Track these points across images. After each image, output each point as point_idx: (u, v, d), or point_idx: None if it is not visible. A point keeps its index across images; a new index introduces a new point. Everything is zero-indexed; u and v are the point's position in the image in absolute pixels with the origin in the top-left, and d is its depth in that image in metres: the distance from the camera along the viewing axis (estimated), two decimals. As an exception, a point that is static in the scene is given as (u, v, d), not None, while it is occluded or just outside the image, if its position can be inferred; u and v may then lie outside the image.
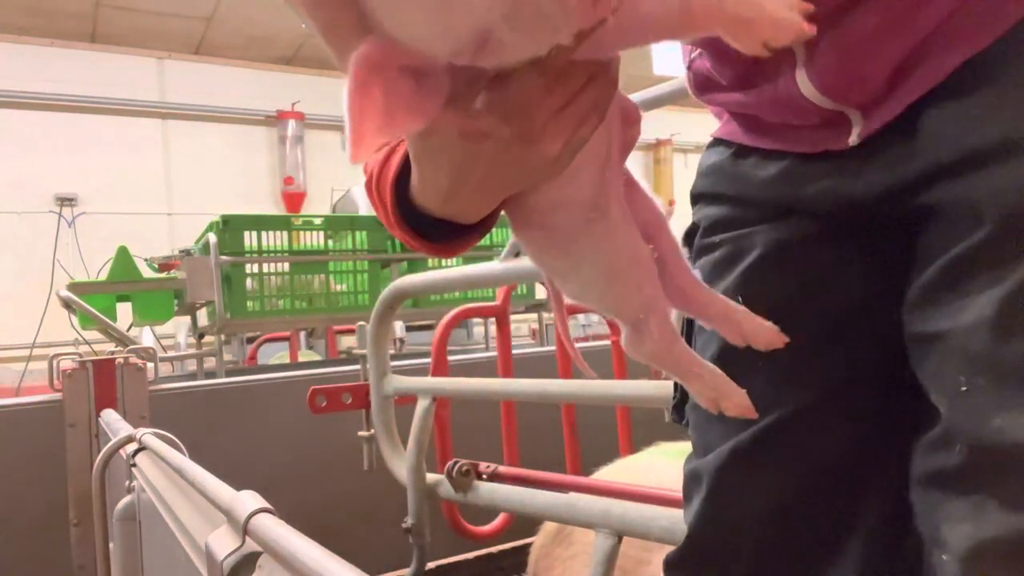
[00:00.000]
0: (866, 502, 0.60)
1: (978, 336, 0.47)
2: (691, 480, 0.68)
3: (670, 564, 0.70)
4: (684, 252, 0.55)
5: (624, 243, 0.50)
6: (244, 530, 0.46)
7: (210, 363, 3.84)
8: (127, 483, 1.01)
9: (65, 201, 6.58)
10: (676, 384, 0.73)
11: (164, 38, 6.76)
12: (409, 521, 1.69)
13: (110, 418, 1.57)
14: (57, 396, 1.97)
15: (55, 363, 2.28)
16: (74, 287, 3.16)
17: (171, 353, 4.49)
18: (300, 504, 2.02)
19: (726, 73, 0.63)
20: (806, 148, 0.60)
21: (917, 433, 0.54)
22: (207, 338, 4.01)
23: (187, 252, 3.64)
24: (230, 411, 2.16)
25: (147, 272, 3.62)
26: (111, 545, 1.09)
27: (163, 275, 3.61)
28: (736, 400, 0.53)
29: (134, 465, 0.97)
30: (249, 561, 0.46)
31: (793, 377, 0.60)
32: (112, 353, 2.16)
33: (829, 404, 0.60)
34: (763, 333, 0.54)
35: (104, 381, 1.96)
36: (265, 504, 0.48)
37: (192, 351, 4.28)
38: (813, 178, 0.60)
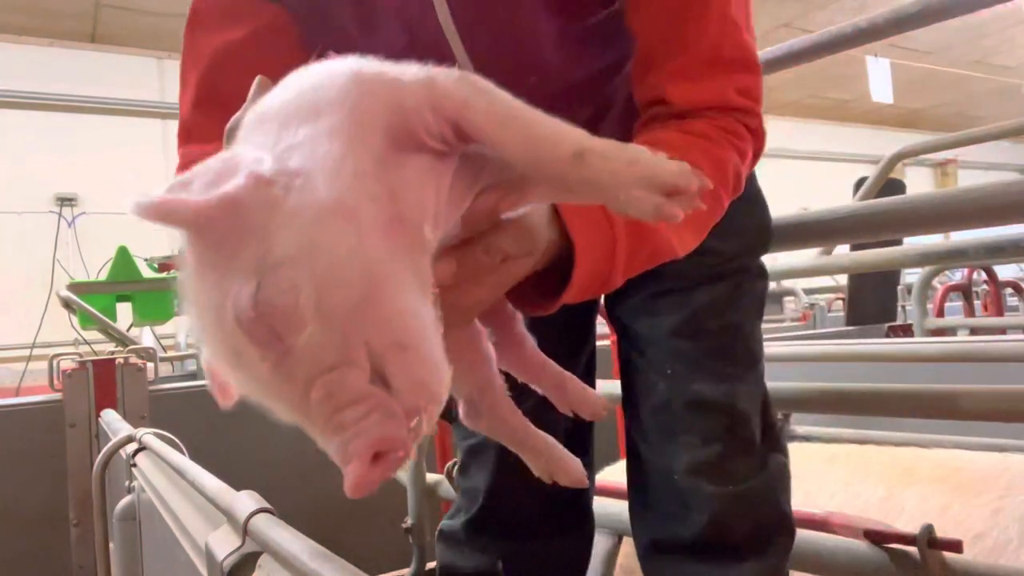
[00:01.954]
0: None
1: (672, 340, 0.78)
2: (472, 452, 0.90)
3: (459, 533, 0.92)
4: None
5: (461, 334, 0.50)
6: (244, 530, 0.46)
7: (210, 363, 3.84)
8: (127, 483, 1.01)
9: (65, 201, 6.58)
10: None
11: (164, 38, 6.75)
12: (409, 521, 1.69)
13: (110, 418, 1.57)
14: (57, 396, 1.97)
15: (55, 363, 2.28)
16: (74, 287, 3.16)
17: (171, 353, 4.48)
18: (300, 504, 2.02)
19: None
20: None
21: (643, 400, 0.81)
22: (207, 338, 3.99)
23: (187, 252, 3.64)
24: (230, 411, 2.15)
25: (147, 272, 3.62)
26: (111, 545, 1.09)
27: (163, 275, 3.61)
28: (569, 471, 0.54)
29: (134, 465, 0.97)
30: (249, 561, 0.46)
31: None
32: (112, 353, 2.16)
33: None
34: (587, 403, 0.55)
35: (104, 381, 1.96)
36: (265, 504, 0.48)
37: (192, 351, 4.28)
38: None
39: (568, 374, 0.56)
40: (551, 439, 0.54)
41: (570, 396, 0.55)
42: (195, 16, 0.72)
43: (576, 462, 0.55)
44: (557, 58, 0.69)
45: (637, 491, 0.84)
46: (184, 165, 0.70)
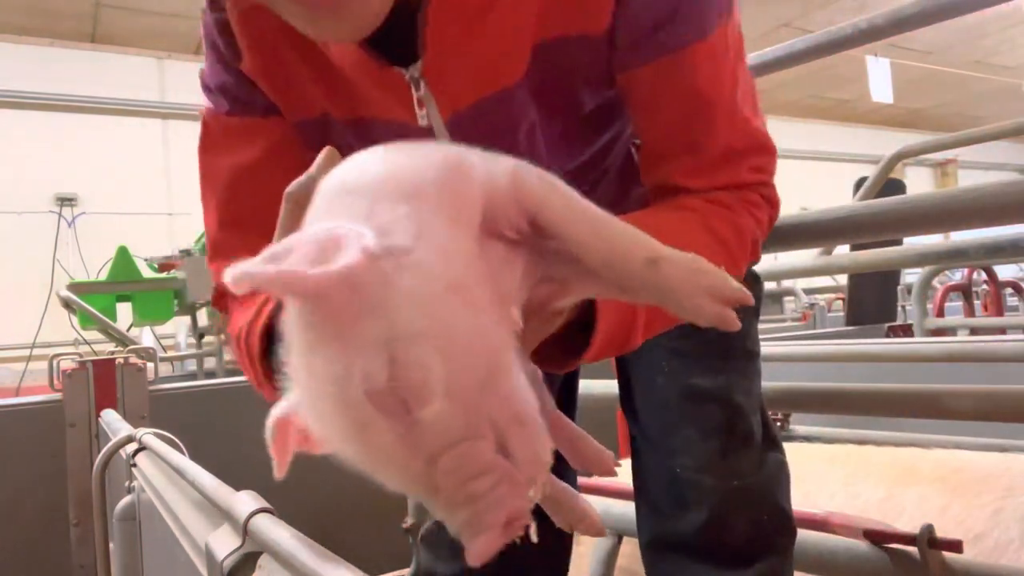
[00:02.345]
0: None
1: (668, 339, 0.74)
2: None
3: (438, 537, 0.93)
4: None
5: None
6: (244, 530, 0.46)
7: (210, 363, 3.85)
8: (127, 483, 1.01)
9: (65, 201, 6.58)
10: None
11: (164, 38, 6.76)
12: (409, 521, 1.69)
13: (110, 418, 1.57)
14: (57, 396, 1.97)
15: (55, 363, 2.28)
16: (74, 287, 3.16)
17: (171, 353, 4.49)
18: (300, 504, 2.02)
19: None
20: None
21: (642, 398, 0.84)
22: (207, 338, 4.01)
23: (187, 252, 3.64)
24: (230, 411, 2.16)
25: (147, 272, 3.63)
26: (111, 545, 1.09)
27: (163, 275, 3.61)
28: (589, 522, 0.55)
29: (134, 465, 0.97)
30: (249, 561, 0.46)
31: None
32: (112, 353, 2.16)
33: None
34: (600, 462, 0.56)
35: (104, 381, 1.96)
36: (265, 504, 0.48)
37: (192, 351, 4.28)
38: None
39: (580, 431, 0.56)
40: (571, 490, 0.54)
41: (583, 453, 0.56)
42: (207, 138, 0.73)
43: (595, 513, 0.55)
44: (553, 151, 0.70)
45: (640, 490, 0.84)
46: (221, 284, 0.71)
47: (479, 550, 0.34)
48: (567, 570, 0.97)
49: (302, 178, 0.48)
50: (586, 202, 0.41)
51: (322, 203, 0.39)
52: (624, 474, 1.42)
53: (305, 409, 0.36)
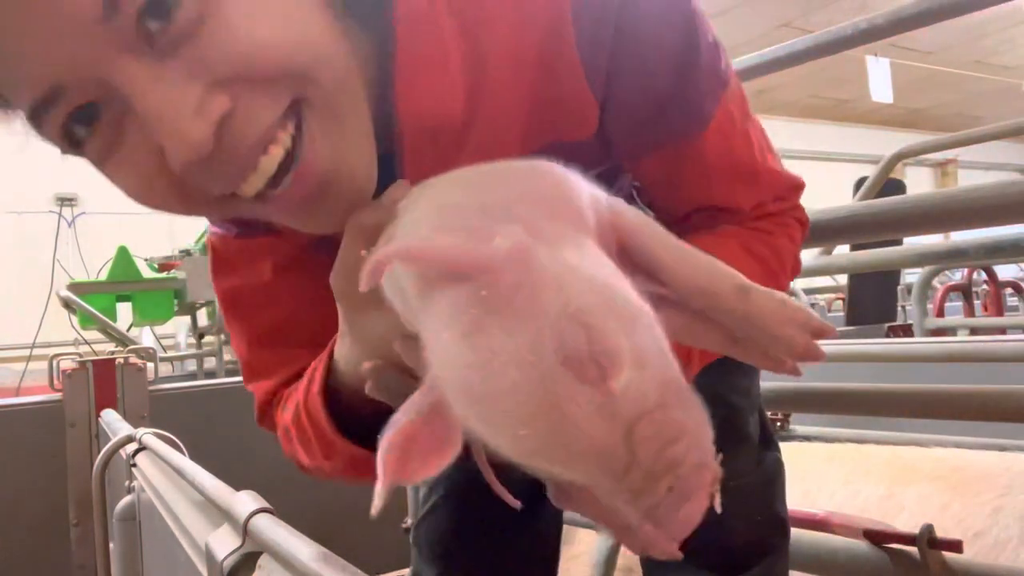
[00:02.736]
0: None
1: None
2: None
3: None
4: None
5: None
6: (244, 530, 0.46)
7: (210, 363, 3.85)
8: (127, 483, 1.01)
9: (65, 201, 6.58)
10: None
11: (164, 38, 6.76)
12: (409, 521, 1.69)
13: (110, 418, 1.57)
14: (57, 396, 1.97)
15: (55, 363, 2.28)
16: (74, 287, 3.16)
17: (171, 353, 4.49)
18: (300, 504, 2.02)
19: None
20: None
21: None
22: (207, 338, 4.01)
23: (187, 252, 3.64)
24: (230, 411, 2.16)
25: (147, 272, 3.63)
26: (111, 545, 1.09)
27: (163, 275, 3.61)
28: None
29: (134, 465, 0.97)
30: (249, 561, 0.46)
31: None
32: (112, 353, 2.16)
33: None
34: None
35: (104, 381, 1.96)
36: (265, 504, 0.48)
37: (192, 351, 4.28)
38: None
39: None
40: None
41: None
42: (218, 262, 0.73)
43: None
44: None
45: None
46: (262, 400, 0.72)
47: (689, 515, 0.34)
48: (556, 562, 0.97)
49: (369, 207, 0.48)
50: (675, 238, 0.42)
51: (425, 217, 0.40)
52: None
53: (467, 401, 0.34)
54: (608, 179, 0.70)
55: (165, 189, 0.51)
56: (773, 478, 0.81)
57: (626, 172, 0.72)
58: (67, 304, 2.91)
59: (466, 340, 0.33)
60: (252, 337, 0.73)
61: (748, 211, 0.64)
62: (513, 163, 0.42)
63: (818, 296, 5.26)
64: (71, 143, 0.50)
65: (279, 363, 0.71)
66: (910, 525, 0.95)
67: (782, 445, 0.86)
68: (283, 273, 0.69)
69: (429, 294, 0.35)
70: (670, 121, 0.60)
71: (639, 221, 0.41)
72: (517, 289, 0.32)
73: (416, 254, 0.32)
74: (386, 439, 0.36)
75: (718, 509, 0.35)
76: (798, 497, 1.21)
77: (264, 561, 0.45)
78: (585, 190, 0.40)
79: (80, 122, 0.48)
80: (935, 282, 3.70)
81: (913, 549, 0.93)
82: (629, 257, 0.41)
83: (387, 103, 0.55)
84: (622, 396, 0.32)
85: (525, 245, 0.33)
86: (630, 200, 0.77)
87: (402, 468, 0.36)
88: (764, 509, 0.79)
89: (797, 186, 0.68)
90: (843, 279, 4.83)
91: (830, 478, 1.25)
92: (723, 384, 0.77)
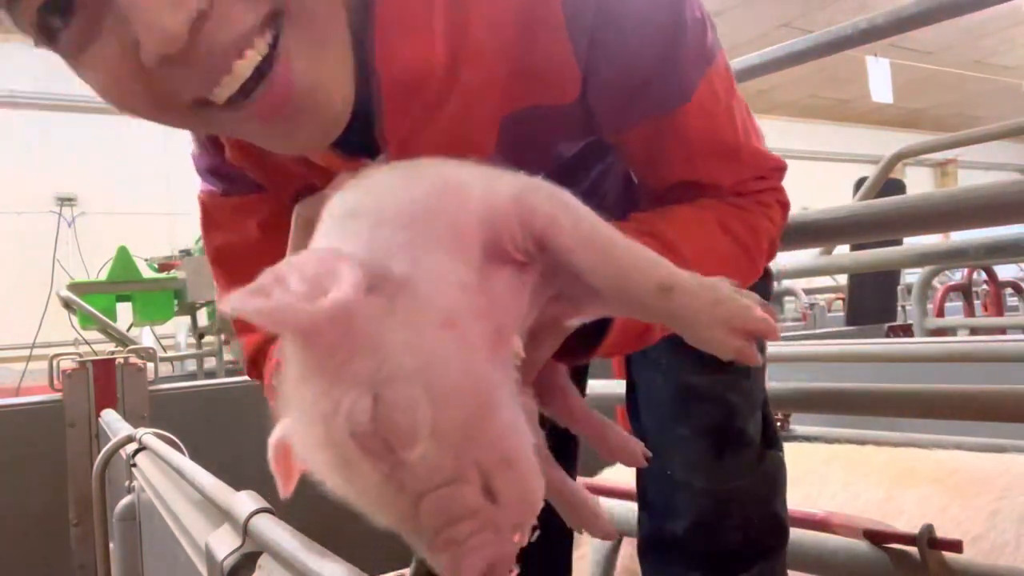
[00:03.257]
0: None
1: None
2: None
3: None
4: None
5: None
6: (244, 530, 0.46)
7: (210, 363, 3.85)
8: (127, 483, 1.01)
9: (65, 201, 6.58)
10: None
11: (164, 38, 6.75)
12: (409, 521, 1.69)
13: (110, 418, 1.57)
14: (57, 396, 1.97)
15: (55, 363, 2.28)
16: (74, 287, 3.16)
17: (171, 353, 4.48)
18: (300, 504, 2.01)
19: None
20: None
21: (643, 397, 0.82)
22: (207, 338, 4.00)
23: (187, 252, 3.64)
24: (230, 411, 2.16)
25: (147, 272, 3.62)
26: (111, 545, 1.09)
27: (163, 275, 3.61)
28: (599, 527, 0.54)
29: (134, 465, 0.97)
30: (249, 561, 0.46)
31: None
32: (112, 353, 2.16)
33: None
34: (627, 451, 0.55)
35: (104, 381, 1.96)
36: (265, 504, 0.48)
37: (192, 351, 4.28)
38: None
39: (608, 422, 0.56)
40: (585, 492, 0.54)
41: (611, 444, 0.55)
42: (207, 218, 0.75)
43: (605, 519, 0.54)
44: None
45: (640, 490, 0.84)
46: (250, 352, 0.74)
47: None
48: (570, 558, 0.96)
49: (313, 197, 0.48)
50: (600, 222, 0.40)
51: (326, 224, 0.39)
52: (625, 474, 1.43)
53: (295, 438, 0.36)
54: (600, 153, 0.70)
55: (136, 89, 0.51)
56: (772, 480, 0.81)
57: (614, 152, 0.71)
58: (67, 304, 2.91)
59: (291, 387, 0.35)
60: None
61: (728, 188, 0.64)
62: (420, 169, 0.41)
63: (818, 296, 5.26)
64: (45, 34, 0.50)
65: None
66: (909, 528, 0.95)
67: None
68: (269, 232, 0.70)
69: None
70: (653, 94, 0.59)
71: (551, 213, 0.39)
72: (332, 352, 0.32)
73: (248, 309, 0.31)
74: (271, 441, 0.40)
75: None
76: (798, 498, 1.21)
77: (264, 561, 0.45)
78: (479, 199, 0.39)
79: (55, 12, 0.48)
80: (935, 282, 3.69)
81: (913, 549, 0.93)
82: (547, 251, 0.39)
83: (366, 54, 0.55)
84: (411, 470, 0.33)
85: (349, 306, 0.32)
86: (627, 181, 0.76)
87: (286, 470, 0.41)
88: (761, 511, 0.79)
89: (779, 167, 0.67)
90: (843, 279, 4.83)
91: (829, 480, 1.25)
92: (721, 384, 0.77)
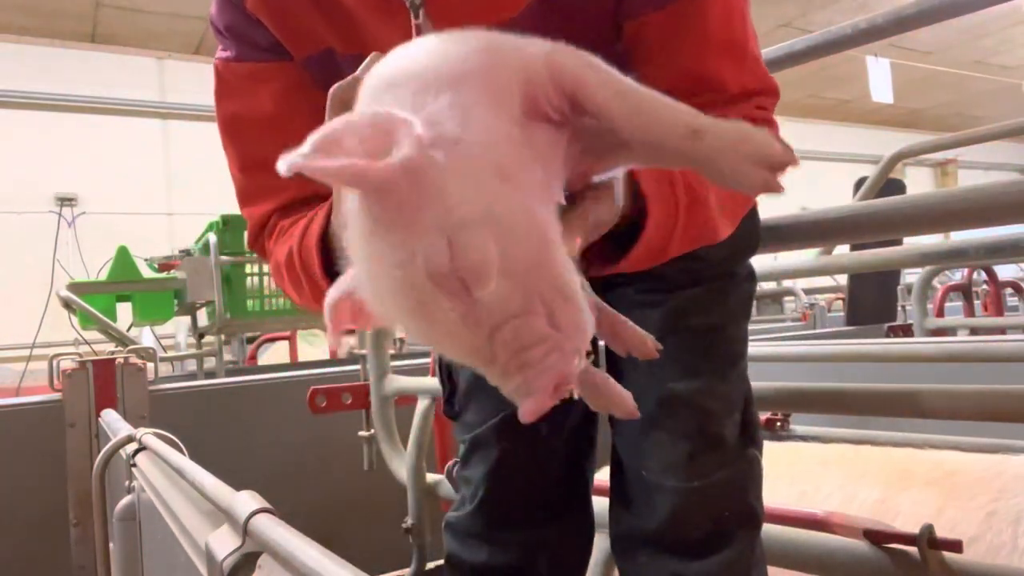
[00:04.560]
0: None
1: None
2: (474, 445, 0.90)
3: (463, 524, 0.92)
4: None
5: None
6: (244, 530, 0.46)
7: (210, 363, 3.84)
8: (127, 483, 1.01)
9: (65, 201, 6.58)
10: (443, 381, 0.97)
11: (164, 38, 6.75)
12: (409, 521, 1.69)
13: (110, 418, 1.57)
14: (57, 396, 1.97)
15: (55, 363, 2.28)
16: (74, 287, 3.16)
17: (171, 353, 4.48)
18: (300, 504, 2.02)
19: None
20: None
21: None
22: (207, 338, 4.00)
23: (187, 252, 3.64)
24: (230, 411, 2.16)
25: (147, 272, 3.62)
26: (111, 545, 1.09)
27: (163, 275, 3.60)
28: (623, 405, 0.56)
29: (134, 465, 0.97)
30: (249, 561, 0.46)
31: None
32: (112, 353, 2.16)
33: None
34: (639, 343, 0.58)
35: (104, 381, 1.96)
36: (265, 504, 0.48)
37: (192, 351, 4.28)
38: None
39: (621, 317, 0.58)
40: (605, 375, 0.55)
41: (623, 337, 0.58)
42: (221, 86, 0.75)
43: (629, 397, 0.56)
44: None
45: (614, 488, 0.86)
46: (253, 226, 0.76)
47: (531, 409, 0.38)
48: (587, 565, 0.97)
49: (347, 79, 0.48)
50: (625, 78, 0.42)
51: (367, 96, 0.41)
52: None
53: (367, 289, 0.39)
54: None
55: None
56: (747, 476, 0.81)
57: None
58: (67, 304, 2.91)
59: (362, 241, 0.37)
60: (246, 162, 0.75)
61: (732, 94, 0.65)
62: (450, 37, 0.43)
63: (818, 296, 5.26)
64: None
65: (270, 190, 0.74)
66: (906, 529, 0.95)
67: (780, 445, 0.86)
68: (282, 102, 0.71)
69: (347, 195, 0.38)
70: None
71: (580, 70, 0.41)
72: (401, 207, 0.35)
73: (316, 167, 0.33)
74: (328, 299, 0.42)
75: (575, 396, 0.42)
76: (795, 498, 1.21)
77: (264, 561, 0.45)
78: (515, 59, 0.41)
79: None
80: (935, 282, 3.69)
81: (913, 549, 0.93)
82: (579, 107, 0.41)
83: None
84: (486, 306, 0.36)
85: (416, 161, 0.34)
86: None
87: (339, 324, 0.43)
88: (734, 504, 0.79)
89: (774, 89, 0.68)
90: (843, 279, 4.83)
91: (826, 482, 1.25)
92: (700, 391, 0.78)
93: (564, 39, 0.65)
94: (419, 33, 0.64)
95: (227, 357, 3.64)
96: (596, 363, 0.93)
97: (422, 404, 1.67)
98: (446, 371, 0.98)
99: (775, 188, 0.41)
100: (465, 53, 0.40)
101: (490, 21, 0.62)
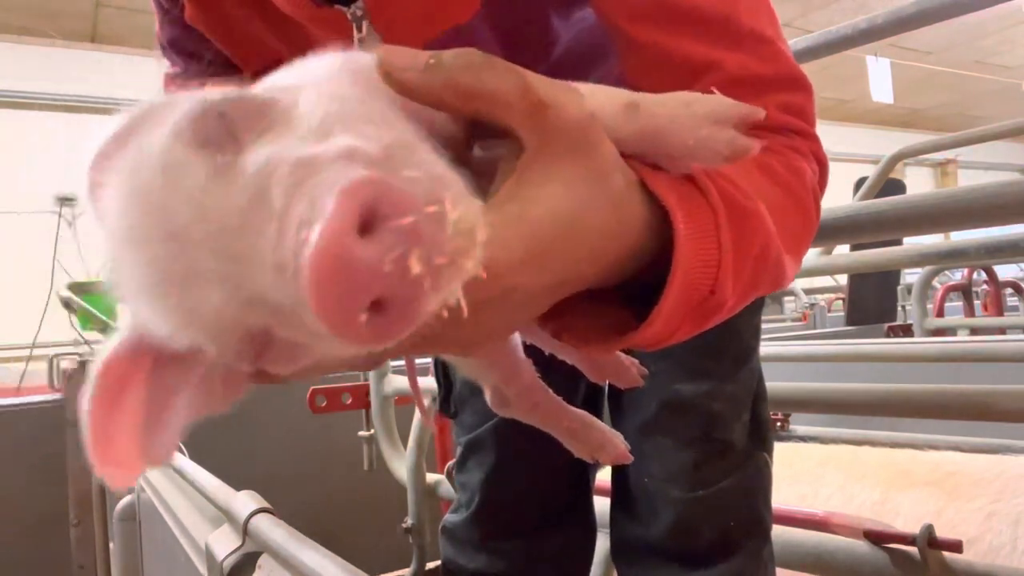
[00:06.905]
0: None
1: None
2: (471, 448, 0.89)
3: (460, 529, 0.90)
4: None
5: None
6: (244, 530, 0.46)
7: (210, 363, 3.83)
8: (127, 483, 1.01)
9: (65, 201, 6.57)
10: (439, 379, 0.95)
11: (164, 38, 6.75)
12: (409, 521, 1.69)
13: (110, 418, 1.56)
14: (57, 396, 1.97)
15: (55, 363, 2.28)
16: (74, 287, 3.16)
17: (171, 353, 4.47)
18: (300, 504, 2.01)
19: None
20: None
21: (627, 400, 0.80)
22: (207, 338, 4.00)
23: (187, 252, 3.63)
24: (230, 411, 2.15)
25: (147, 272, 3.62)
26: (111, 545, 1.09)
27: (163, 275, 3.60)
28: (611, 448, 0.53)
29: (134, 465, 0.97)
30: (249, 561, 0.46)
31: None
32: (112, 353, 2.15)
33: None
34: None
35: (104, 381, 1.96)
36: (265, 504, 0.48)
37: (192, 351, 4.26)
38: None
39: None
40: (588, 416, 0.52)
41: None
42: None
43: (617, 437, 0.53)
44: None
45: (616, 491, 0.84)
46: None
47: (318, 258, 0.23)
48: (589, 570, 0.96)
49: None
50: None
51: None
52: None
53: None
54: (594, 57, 0.66)
55: None
56: (755, 482, 0.79)
57: (611, 64, 0.62)
58: (67, 304, 2.91)
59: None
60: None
61: (731, 79, 0.51)
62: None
63: (818, 296, 5.26)
64: None
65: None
66: (906, 529, 0.95)
67: (780, 445, 0.85)
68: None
69: None
70: None
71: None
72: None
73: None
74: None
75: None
76: (795, 499, 1.21)
77: (264, 561, 0.45)
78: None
79: None
80: (935, 282, 3.69)
81: (913, 549, 0.93)
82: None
83: None
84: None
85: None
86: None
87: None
88: (741, 512, 0.77)
89: (806, 85, 0.54)
90: (843, 279, 4.83)
91: (826, 482, 1.25)
92: (706, 393, 0.76)
93: (512, 46, 0.62)
94: (361, 47, 0.57)
95: (227, 357, 3.62)
96: (598, 410, 0.89)
97: (422, 404, 1.66)
98: (441, 370, 0.96)
99: (743, 147, 0.35)
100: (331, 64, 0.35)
101: (442, 28, 0.58)
